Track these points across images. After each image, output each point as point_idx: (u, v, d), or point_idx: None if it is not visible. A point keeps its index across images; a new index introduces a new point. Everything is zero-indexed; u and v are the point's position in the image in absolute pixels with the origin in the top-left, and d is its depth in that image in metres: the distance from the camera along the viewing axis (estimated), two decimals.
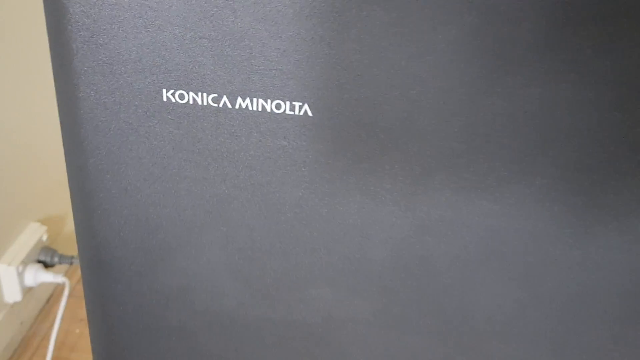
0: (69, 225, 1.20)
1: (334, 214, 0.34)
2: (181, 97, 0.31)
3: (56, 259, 1.06)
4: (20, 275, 0.99)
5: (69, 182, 0.38)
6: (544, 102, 0.29)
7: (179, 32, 0.29)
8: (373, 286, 0.36)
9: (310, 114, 0.30)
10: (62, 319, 0.99)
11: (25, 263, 1.01)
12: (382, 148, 0.31)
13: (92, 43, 0.31)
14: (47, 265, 1.06)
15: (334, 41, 0.29)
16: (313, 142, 0.31)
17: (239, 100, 0.31)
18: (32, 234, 1.05)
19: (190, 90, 0.31)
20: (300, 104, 0.30)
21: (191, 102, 0.31)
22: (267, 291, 0.38)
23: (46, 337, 1.06)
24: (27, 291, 1.04)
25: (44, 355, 1.02)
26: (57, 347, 1.03)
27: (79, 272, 1.17)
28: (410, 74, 0.29)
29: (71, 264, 1.06)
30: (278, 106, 0.30)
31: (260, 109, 0.31)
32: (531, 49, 0.28)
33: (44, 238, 1.06)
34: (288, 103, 0.30)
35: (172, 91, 0.31)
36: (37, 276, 1.02)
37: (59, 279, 1.02)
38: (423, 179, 0.32)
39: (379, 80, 0.30)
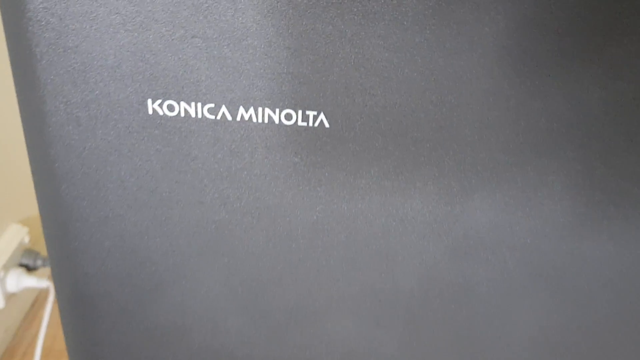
0: None
1: (356, 240, 0.29)
2: (170, 108, 0.26)
3: (39, 262, 0.99)
4: (2, 281, 0.93)
5: (39, 210, 0.33)
6: (608, 105, 0.24)
7: (166, 31, 0.24)
8: (400, 318, 0.32)
9: (327, 124, 0.25)
10: (48, 324, 0.93)
11: (6, 268, 0.94)
12: (413, 163, 0.26)
13: (59, 46, 0.25)
14: (29, 269, 0.99)
15: (356, 37, 0.24)
16: (330, 158, 0.26)
17: (241, 110, 0.26)
18: (13, 236, 0.98)
19: (182, 100, 0.26)
20: (315, 113, 0.25)
21: (183, 114, 0.26)
22: (276, 328, 0.33)
23: (32, 344, 1.01)
24: (9, 297, 0.97)
25: None
26: (45, 354, 0.97)
27: None
28: (449, 75, 0.24)
29: None
30: (288, 116, 0.25)
31: (266, 120, 0.26)
32: (589, 46, 0.23)
33: (26, 240, 1.00)
34: (300, 112, 0.25)
35: (159, 102, 0.26)
36: (20, 281, 0.95)
37: (43, 283, 0.96)
38: (461, 197, 0.27)
39: (410, 84, 0.25)
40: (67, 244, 0.33)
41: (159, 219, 0.31)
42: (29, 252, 1.01)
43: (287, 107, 0.26)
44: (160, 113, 0.27)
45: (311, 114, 0.26)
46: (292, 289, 0.32)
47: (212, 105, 0.27)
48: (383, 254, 0.30)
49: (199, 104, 0.27)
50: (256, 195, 0.29)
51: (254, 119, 0.27)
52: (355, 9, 0.24)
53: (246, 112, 0.27)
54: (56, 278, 0.36)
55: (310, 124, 0.26)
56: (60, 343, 1.02)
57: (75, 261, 0.33)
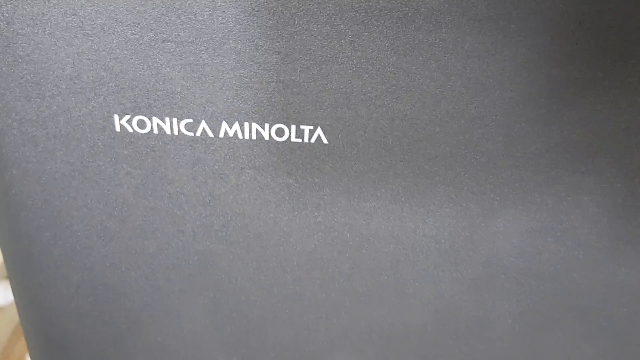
0: None
1: (360, 271, 0.25)
2: (141, 124, 0.22)
3: None
4: None
5: None
6: None
7: (133, 34, 0.20)
8: (410, 356, 0.28)
9: (325, 140, 0.22)
10: None
11: None
12: (426, 183, 0.23)
13: (7, 55, 0.22)
14: None
15: (358, 38, 0.20)
16: (330, 179, 0.22)
17: (224, 126, 0.22)
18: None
19: (154, 115, 0.22)
20: (311, 127, 0.21)
21: (156, 131, 0.22)
22: None
23: (22, 359, 0.96)
24: None
25: None
26: None
27: None
28: (468, 81, 0.21)
29: None
30: (280, 132, 0.21)
31: (254, 136, 0.22)
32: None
33: None
34: (294, 127, 0.21)
35: (127, 117, 0.22)
36: (7, 294, 0.90)
37: None
38: (481, 221, 0.23)
39: (422, 92, 0.21)
40: (30, 278, 0.29)
41: (133, 250, 0.27)
42: None
43: (278, 122, 0.22)
44: (130, 130, 0.23)
45: (306, 128, 0.22)
46: (287, 327, 0.28)
47: (190, 120, 0.23)
48: (392, 287, 0.26)
49: (175, 119, 0.23)
50: (244, 222, 0.25)
51: (240, 136, 0.23)
52: (356, 5, 0.20)
53: (230, 127, 0.23)
54: (21, 316, 0.32)
55: (306, 140, 0.23)
56: None
57: (41, 298, 0.29)
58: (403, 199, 0.24)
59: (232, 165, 0.24)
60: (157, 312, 0.29)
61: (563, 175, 0.22)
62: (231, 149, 0.24)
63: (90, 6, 0.21)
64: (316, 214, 0.25)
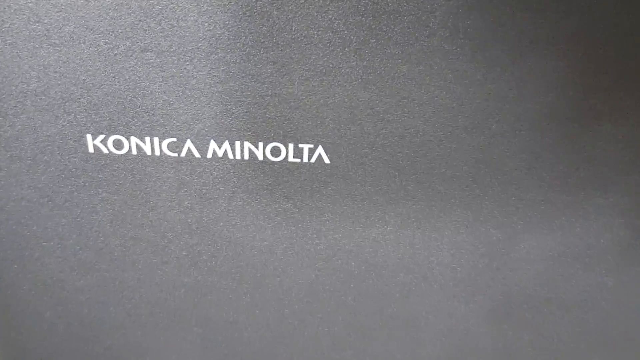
0: None
1: (367, 302, 0.23)
2: (118, 145, 0.19)
3: None
4: None
5: None
6: None
7: (106, 43, 0.17)
8: None
9: (326, 160, 0.19)
10: None
11: None
12: (441, 206, 0.20)
13: None
14: None
15: (364, 46, 0.18)
16: (332, 203, 0.20)
17: (213, 145, 0.19)
18: None
19: (132, 135, 0.19)
20: (311, 146, 0.19)
21: (135, 151, 0.19)
22: None
23: None
24: None
25: None
26: None
27: None
28: (490, 93, 0.18)
29: None
30: (276, 151, 0.19)
31: (246, 156, 0.19)
32: None
33: None
34: (291, 146, 0.19)
35: (102, 137, 0.19)
36: None
37: None
38: (502, 247, 0.21)
39: (437, 105, 0.19)
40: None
41: (112, 284, 0.24)
42: None
43: (274, 140, 0.20)
44: (105, 151, 0.21)
45: (306, 147, 0.20)
46: None
47: (174, 139, 0.20)
48: (402, 319, 0.23)
49: (156, 139, 0.20)
50: (236, 251, 0.23)
51: (230, 156, 0.20)
52: (362, 9, 0.17)
53: (219, 147, 0.20)
54: None
55: (305, 159, 0.20)
56: None
57: (11, 336, 0.26)
58: (415, 224, 0.21)
59: (221, 188, 0.21)
60: (140, 351, 0.26)
61: (593, 195, 0.20)
62: (221, 171, 0.21)
63: (57, 12, 0.18)
64: (317, 241, 0.22)
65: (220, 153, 0.21)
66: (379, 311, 0.24)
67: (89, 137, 0.21)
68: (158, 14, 0.19)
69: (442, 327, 0.24)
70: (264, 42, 0.18)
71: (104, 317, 0.25)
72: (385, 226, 0.22)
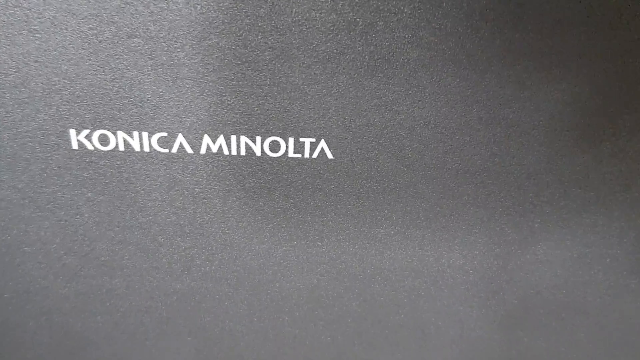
0: None
1: (372, 308, 0.22)
2: (104, 141, 0.18)
3: None
4: None
5: None
6: None
7: (90, 29, 0.16)
8: None
9: (329, 155, 0.18)
10: None
11: None
12: (452, 205, 0.19)
13: None
14: None
15: (371, 28, 0.16)
16: (336, 201, 0.18)
17: (206, 140, 0.18)
18: None
19: (119, 129, 0.18)
20: (313, 140, 0.17)
21: (122, 147, 0.18)
22: None
23: None
24: None
25: None
26: None
27: None
28: (507, 81, 0.17)
29: None
30: (275, 146, 0.17)
31: (243, 152, 0.18)
32: None
33: None
34: (292, 140, 0.17)
35: (86, 132, 0.18)
36: None
37: None
38: (518, 248, 0.20)
39: (450, 93, 0.17)
40: None
41: (98, 291, 0.22)
42: None
43: (273, 134, 0.18)
44: (90, 147, 0.19)
45: (307, 141, 0.18)
46: None
47: (164, 134, 0.19)
48: (409, 327, 0.22)
49: (145, 134, 0.19)
50: (232, 254, 0.21)
51: (226, 151, 0.19)
52: None
53: (213, 142, 0.19)
54: None
55: (307, 155, 0.19)
56: None
57: None
58: (423, 223, 0.20)
59: (216, 187, 0.20)
60: None
61: (616, 191, 0.19)
62: (215, 168, 0.20)
63: None
64: (319, 243, 0.21)
65: (214, 148, 0.19)
66: (386, 318, 0.22)
67: (72, 132, 0.19)
68: None
69: (453, 334, 0.22)
70: (261, 25, 0.17)
71: (91, 327, 0.24)
72: (393, 226, 0.20)
